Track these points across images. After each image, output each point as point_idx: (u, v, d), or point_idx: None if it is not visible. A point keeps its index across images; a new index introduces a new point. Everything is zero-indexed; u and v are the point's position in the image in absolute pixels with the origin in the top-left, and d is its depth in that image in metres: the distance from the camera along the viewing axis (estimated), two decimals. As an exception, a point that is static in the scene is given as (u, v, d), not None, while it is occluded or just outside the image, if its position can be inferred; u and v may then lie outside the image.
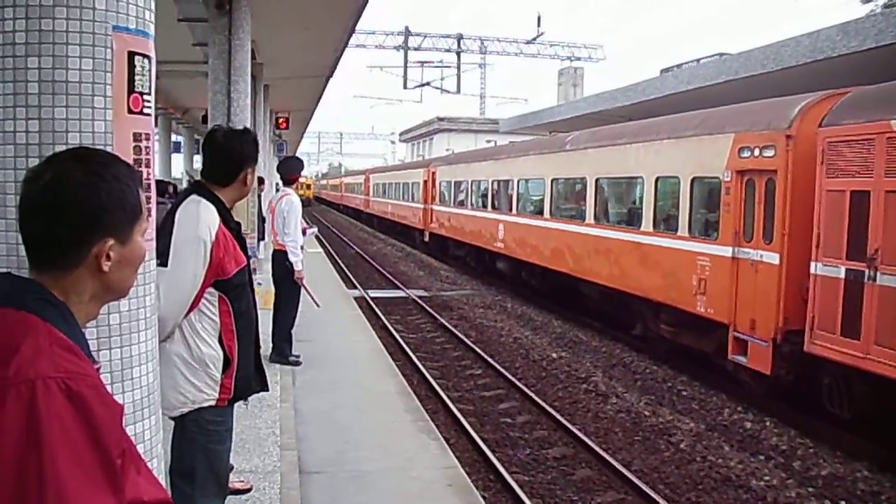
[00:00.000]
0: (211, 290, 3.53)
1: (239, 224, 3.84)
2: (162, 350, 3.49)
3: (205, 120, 12.00)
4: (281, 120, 23.82)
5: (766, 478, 7.97)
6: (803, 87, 10.65)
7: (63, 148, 2.15)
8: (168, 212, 3.66)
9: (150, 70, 2.45)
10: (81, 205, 1.50)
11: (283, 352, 9.30)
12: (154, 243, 2.63)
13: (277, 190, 12.01)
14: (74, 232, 1.51)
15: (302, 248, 9.37)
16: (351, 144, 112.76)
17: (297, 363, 9.34)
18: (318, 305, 9.95)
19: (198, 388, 3.53)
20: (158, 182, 13.60)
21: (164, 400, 3.48)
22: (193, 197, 3.65)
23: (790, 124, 9.28)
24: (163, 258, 3.48)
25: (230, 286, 3.57)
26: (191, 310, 3.51)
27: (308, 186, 79.95)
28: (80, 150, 1.70)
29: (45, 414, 1.30)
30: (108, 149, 2.29)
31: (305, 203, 55.26)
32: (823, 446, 8.76)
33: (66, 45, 2.21)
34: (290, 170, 9.72)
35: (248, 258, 3.83)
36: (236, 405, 3.89)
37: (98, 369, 1.54)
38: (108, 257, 1.54)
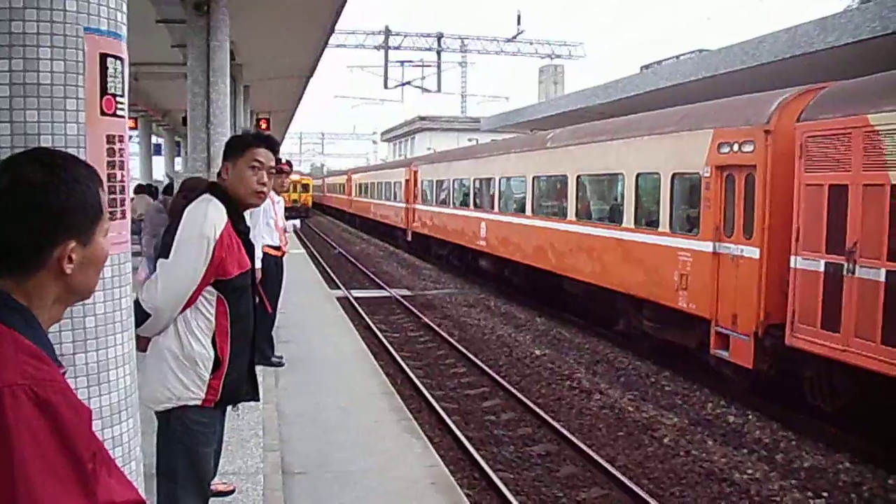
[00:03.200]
0: (210, 289, 3.54)
1: (248, 228, 3.85)
2: (154, 344, 3.52)
3: (185, 122, 11.94)
4: (262, 121, 23.72)
5: (750, 471, 8.02)
6: (782, 83, 10.70)
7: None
8: (180, 209, 3.70)
9: (122, 72, 2.43)
10: (41, 208, 1.47)
11: (264, 353, 9.26)
12: (129, 244, 2.61)
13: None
14: (35, 236, 1.48)
15: (279, 249, 9.28)
16: (333, 145, 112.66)
17: (280, 364, 9.31)
18: (267, 310, 9.79)
19: (185, 386, 3.53)
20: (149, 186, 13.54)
21: (151, 394, 3.50)
22: (205, 196, 3.69)
23: (769, 119, 9.33)
24: (166, 251, 3.52)
25: (230, 288, 3.58)
26: (188, 306, 3.52)
27: (305, 187, 63.11)
28: (38, 151, 1.67)
29: (14, 423, 1.28)
30: (81, 152, 2.28)
31: (302, 213, 50.89)
32: (806, 439, 8.81)
33: (37, 47, 2.20)
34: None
35: (254, 264, 3.83)
36: (228, 410, 3.89)
37: (64, 373, 1.52)
38: (71, 259, 1.52)
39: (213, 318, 3.57)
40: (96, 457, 1.42)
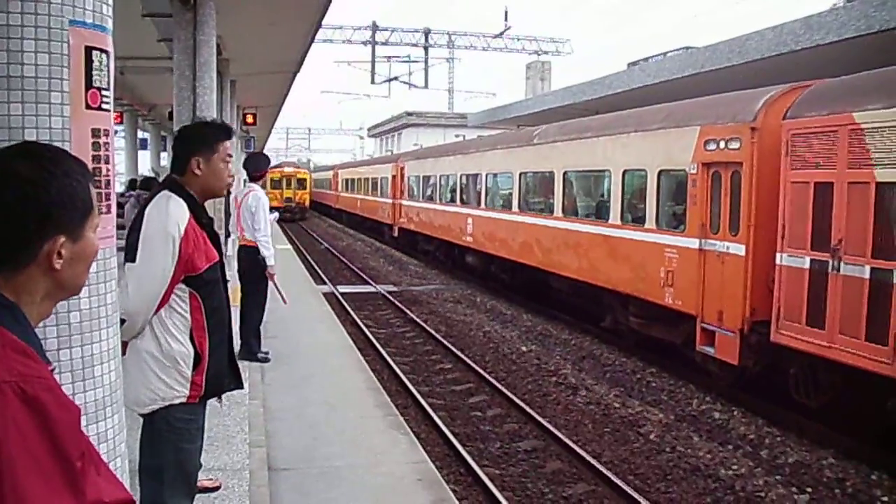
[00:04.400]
0: (182, 286, 3.50)
1: (212, 220, 3.80)
2: (132, 347, 3.45)
3: (171, 116, 11.88)
4: (248, 116, 23.65)
5: (735, 467, 8.06)
6: (768, 80, 10.75)
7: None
8: (140, 207, 3.63)
9: (108, 65, 2.41)
10: (31, 202, 1.46)
11: (251, 349, 9.25)
12: (115, 239, 2.59)
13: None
14: (24, 231, 1.47)
15: None
16: (319, 140, 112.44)
17: (266, 360, 9.29)
18: (285, 302, 9.87)
19: (168, 386, 3.50)
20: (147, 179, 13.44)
21: (134, 397, 3.45)
22: (164, 192, 3.61)
23: (755, 117, 9.36)
24: (131, 253, 3.45)
25: (201, 282, 3.54)
26: (161, 306, 3.48)
27: (301, 183, 50.54)
28: (28, 145, 1.66)
29: (1, 420, 1.27)
30: (66, 145, 2.26)
31: (297, 214, 46.64)
32: (790, 435, 8.86)
33: (22, 39, 2.17)
34: (256, 166, 9.62)
35: (221, 255, 3.79)
36: (209, 403, 3.86)
37: (52, 370, 1.50)
38: (60, 255, 1.50)
39: (188, 315, 3.54)
40: (85, 455, 1.40)
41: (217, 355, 3.66)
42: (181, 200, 3.56)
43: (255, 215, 9.03)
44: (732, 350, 9.53)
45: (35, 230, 1.48)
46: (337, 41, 44.56)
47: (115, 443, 2.46)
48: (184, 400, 3.55)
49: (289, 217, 44.42)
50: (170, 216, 3.47)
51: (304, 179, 51.58)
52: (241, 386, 4.02)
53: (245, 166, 9.90)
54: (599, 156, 13.34)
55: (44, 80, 2.22)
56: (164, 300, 3.48)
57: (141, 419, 3.60)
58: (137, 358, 3.45)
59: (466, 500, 7.10)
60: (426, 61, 47.34)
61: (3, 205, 1.45)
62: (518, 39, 48.18)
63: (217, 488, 5.36)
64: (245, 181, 10.49)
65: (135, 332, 3.46)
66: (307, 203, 51.13)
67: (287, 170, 50.69)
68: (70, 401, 1.42)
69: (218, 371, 3.68)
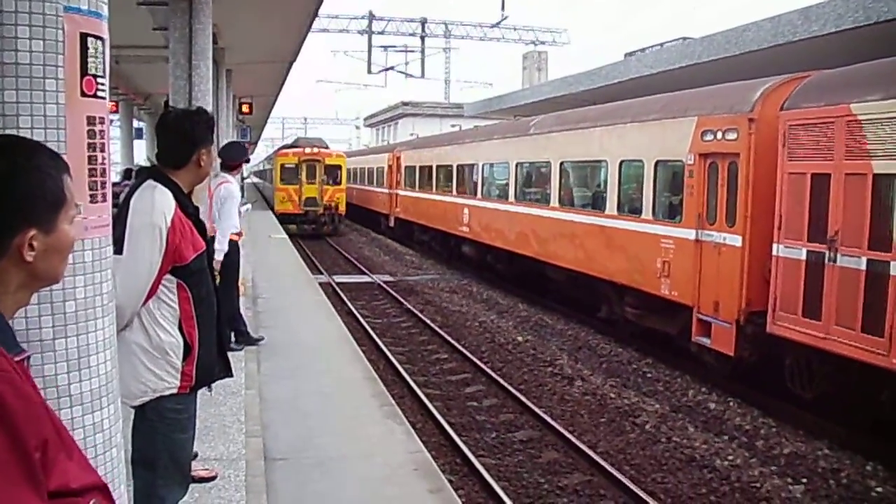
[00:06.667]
0: (169, 276, 3.47)
1: (197, 208, 3.76)
2: (121, 339, 3.39)
3: (167, 105, 11.84)
4: (244, 105, 23.62)
5: (730, 457, 8.07)
6: (765, 71, 10.73)
7: (14, 133, 2.10)
8: (124, 198, 3.58)
9: (103, 52, 2.39)
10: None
11: (241, 331, 9.17)
12: (110, 228, 2.57)
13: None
14: None
15: (240, 234, 9.13)
16: (315, 129, 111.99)
17: (259, 340, 9.27)
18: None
19: (158, 377, 3.48)
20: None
21: (124, 389, 3.40)
22: (149, 182, 3.57)
23: (752, 108, 9.34)
24: (118, 246, 3.41)
25: (188, 272, 3.52)
26: (149, 297, 3.45)
27: (333, 173, 30.95)
28: (2, 138, 1.66)
29: None
30: (61, 133, 2.24)
31: (323, 224, 30.28)
32: (786, 426, 8.88)
33: (16, 25, 2.15)
34: (231, 156, 9.23)
35: (207, 243, 3.76)
36: (200, 392, 3.84)
37: (27, 358, 1.50)
38: (32, 247, 1.51)
39: (176, 306, 3.52)
40: (49, 443, 1.39)
41: (207, 345, 3.64)
42: (167, 190, 3.53)
43: (222, 207, 8.76)
44: (728, 341, 9.54)
45: (4, 224, 1.49)
46: (333, 31, 44.44)
47: (111, 433, 2.44)
48: (174, 391, 3.53)
49: (311, 230, 30.58)
50: (155, 207, 3.44)
51: (338, 167, 31.54)
52: (230, 374, 4.02)
53: (220, 154, 9.48)
54: (596, 146, 13.32)
55: (38, 67, 2.20)
56: (152, 292, 3.46)
57: (132, 410, 3.58)
58: (127, 350, 3.40)
59: (462, 489, 7.10)
60: (423, 51, 47.27)
61: None
62: (515, 29, 48.07)
63: (213, 478, 5.35)
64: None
65: (122, 325, 3.41)
66: (342, 208, 31.73)
67: (308, 150, 30.87)
68: (30, 391, 1.41)
69: (208, 360, 3.66)
